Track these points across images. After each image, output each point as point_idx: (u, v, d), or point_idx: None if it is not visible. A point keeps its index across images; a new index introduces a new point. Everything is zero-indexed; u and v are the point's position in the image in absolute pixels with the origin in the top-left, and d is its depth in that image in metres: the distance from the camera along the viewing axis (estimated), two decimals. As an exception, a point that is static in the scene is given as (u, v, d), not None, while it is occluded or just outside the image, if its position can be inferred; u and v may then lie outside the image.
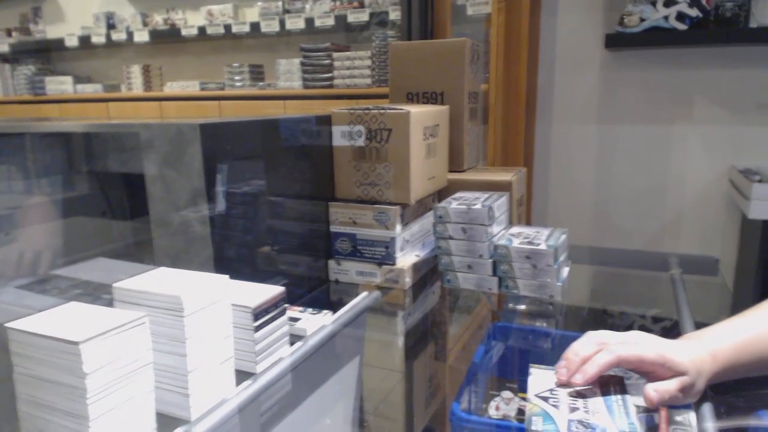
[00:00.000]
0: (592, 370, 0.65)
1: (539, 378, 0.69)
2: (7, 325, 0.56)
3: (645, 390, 0.62)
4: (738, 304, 0.70)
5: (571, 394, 0.64)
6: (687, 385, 0.63)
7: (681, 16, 1.99)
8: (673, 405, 0.65)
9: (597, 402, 0.63)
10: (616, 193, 2.32)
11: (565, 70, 2.34)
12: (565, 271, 1.11)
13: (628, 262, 1.54)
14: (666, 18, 2.01)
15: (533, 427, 0.59)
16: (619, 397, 0.63)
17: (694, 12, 1.98)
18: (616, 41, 2.13)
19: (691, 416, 0.65)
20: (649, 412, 0.64)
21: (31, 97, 4.27)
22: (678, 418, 0.64)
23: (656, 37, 2.06)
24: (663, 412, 0.64)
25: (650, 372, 0.65)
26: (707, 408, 0.66)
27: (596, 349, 0.67)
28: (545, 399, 0.64)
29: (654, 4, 2.02)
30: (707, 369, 0.65)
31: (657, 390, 0.62)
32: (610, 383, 0.66)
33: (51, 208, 1.20)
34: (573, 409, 0.61)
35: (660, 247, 2.28)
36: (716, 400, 0.67)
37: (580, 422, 0.59)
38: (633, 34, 2.07)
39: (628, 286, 1.35)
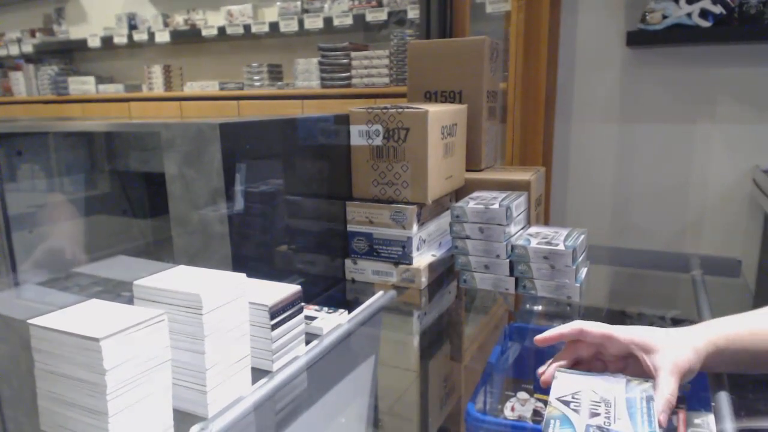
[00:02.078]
0: (551, 332, 0.68)
1: (563, 381, 0.68)
2: (29, 321, 0.57)
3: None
4: (759, 306, 0.69)
5: (594, 400, 0.64)
6: (679, 366, 0.62)
7: (704, 14, 1.96)
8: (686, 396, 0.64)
9: (621, 408, 0.62)
10: (637, 192, 2.29)
11: (585, 68, 2.31)
12: (584, 271, 1.10)
13: (648, 262, 1.52)
14: (689, 15, 1.98)
15: (549, 430, 0.58)
16: (644, 403, 0.62)
17: (717, 9, 1.94)
18: (637, 39, 2.11)
19: (710, 419, 0.64)
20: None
21: (55, 97, 4.34)
22: (697, 421, 0.64)
23: (679, 35, 2.02)
24: (681, 415, 0.63)
25: (626, 355, 0.65)
26: (726, 410, 0.65)
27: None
28: (566, 403, 0.63)
29: (677, 1, 1.99)
30: (700, 342, 0.63)
31: (663, 411, 0.60)
32: (636, 389, 0.65)
33: (73, 207, 1.22)
34: (594, 414, 0.61)
35: (681, 248, 2.25)
36: (736, 402, 0.66)
37: (599, 428, 0.58)
38: (655, 32, 2.04)
39: (647, 287, 1.34)
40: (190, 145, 0.85)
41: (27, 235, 1.12)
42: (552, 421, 0.60)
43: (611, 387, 0.65)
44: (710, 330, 0.65)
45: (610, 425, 0.58)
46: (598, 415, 0.61)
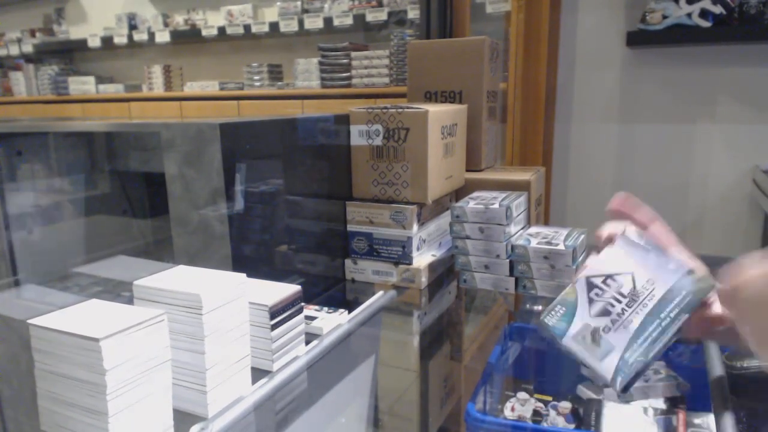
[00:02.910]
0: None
1: (614, 254, 0.57)
2: (29, 321, 0.57)
3: None
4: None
5: (622, 292, 0.54)
6: None
7: (704, 14, 1.96)
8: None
9: (647, 308, 0.53)
10: (637, 192, 2.27)
11: (585, 68, 2.31)
12: (584, 271, 1.10)
13: (648, 262, 1.52)
14: (689, 15, 1.98)
15: (546, 316, 0.53)
16: (675, 310, 0.53)
17: (717, 9, 1.94)
18: (638, 39, 2.11)
19: (710, 419, 0.64)
20: (667, 414, 0.63)
21: (55, 97, 4.35)
22: (697, 421, 0.64)
23: (679, 35, 2.03)
24: (681, 415, 0.63)
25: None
26: (727, 410, 0.65)
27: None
28: (591, 287, 0.54)
29: (677, 1, 2.00)
30: None
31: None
32: (686, 288, 0.56)
33: (73, 207, 1.22)
34: (605, 313, 0.52)
35: (681, 248, 2.25)
36: (736, 404, 0.66)
37: (595, 330, 0.52)
38: (655, 32, 2.04)
39: (647, 287, 1.34)
40: (190, 145, 0.85)
41: (27, 235, 1.12)
42: (557, 307, 0.54)
43: (660, 276, 0.55)
44: None
45: (609, 330, 0.51)
46: (609, 314, 0.53)
